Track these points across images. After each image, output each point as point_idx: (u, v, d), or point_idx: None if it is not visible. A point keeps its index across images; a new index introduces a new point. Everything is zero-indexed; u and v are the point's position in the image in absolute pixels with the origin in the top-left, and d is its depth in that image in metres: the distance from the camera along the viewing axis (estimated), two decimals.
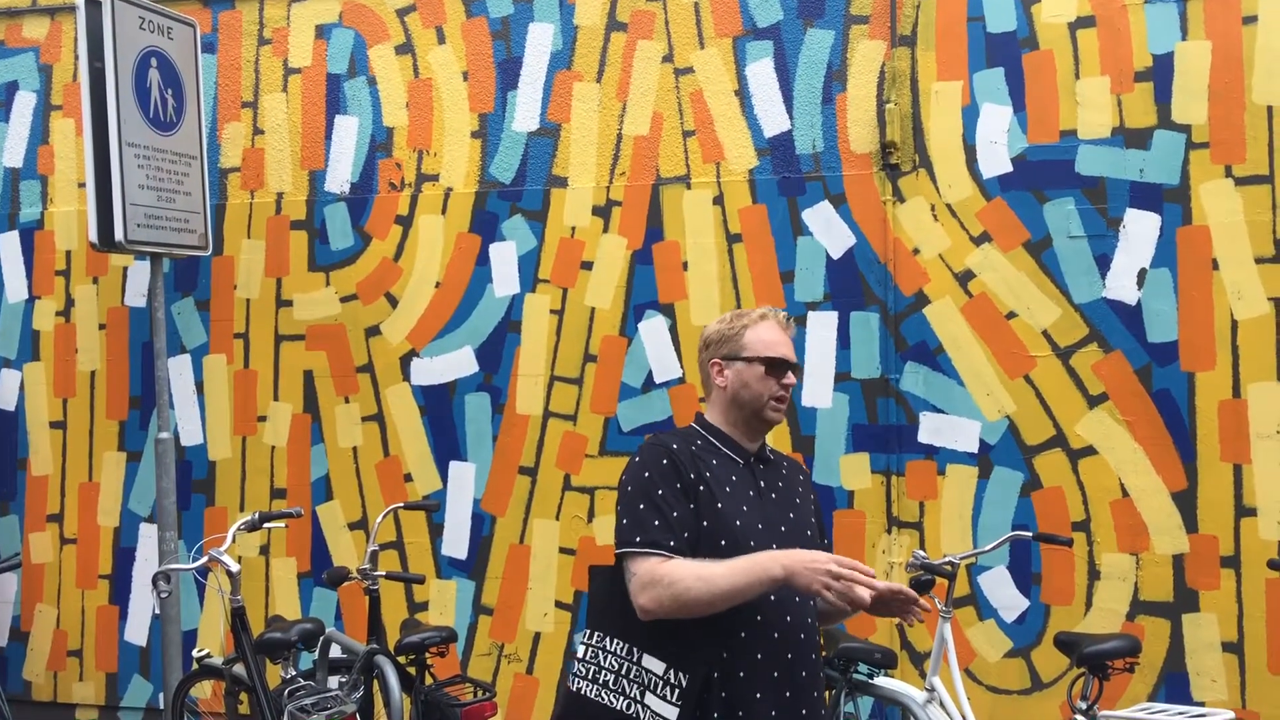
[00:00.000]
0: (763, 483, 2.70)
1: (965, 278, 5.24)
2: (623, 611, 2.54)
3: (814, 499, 2.86)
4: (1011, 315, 5.18)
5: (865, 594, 2.33)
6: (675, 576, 2.44)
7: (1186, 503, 4.98)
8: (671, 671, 2.49)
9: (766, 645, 2.53)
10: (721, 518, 2.55)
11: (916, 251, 5.29)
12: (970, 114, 5.27)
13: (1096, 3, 5.15)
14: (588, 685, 2.59)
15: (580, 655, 2.64)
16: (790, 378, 2.71)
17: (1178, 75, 5.05)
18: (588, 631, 2.66)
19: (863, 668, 4.41)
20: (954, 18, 5.30)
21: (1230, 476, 4.94)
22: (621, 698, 2.53)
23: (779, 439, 5.33)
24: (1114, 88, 5.12)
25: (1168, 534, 4.99)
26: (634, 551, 2.52)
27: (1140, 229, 5.06)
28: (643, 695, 2.51)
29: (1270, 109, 4.96)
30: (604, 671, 2.58)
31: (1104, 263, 5.09)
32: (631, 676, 2.54)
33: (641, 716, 2.49)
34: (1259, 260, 4.95)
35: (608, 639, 2.59)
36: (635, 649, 2.54)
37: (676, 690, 2.47)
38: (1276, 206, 4.94)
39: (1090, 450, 5.08)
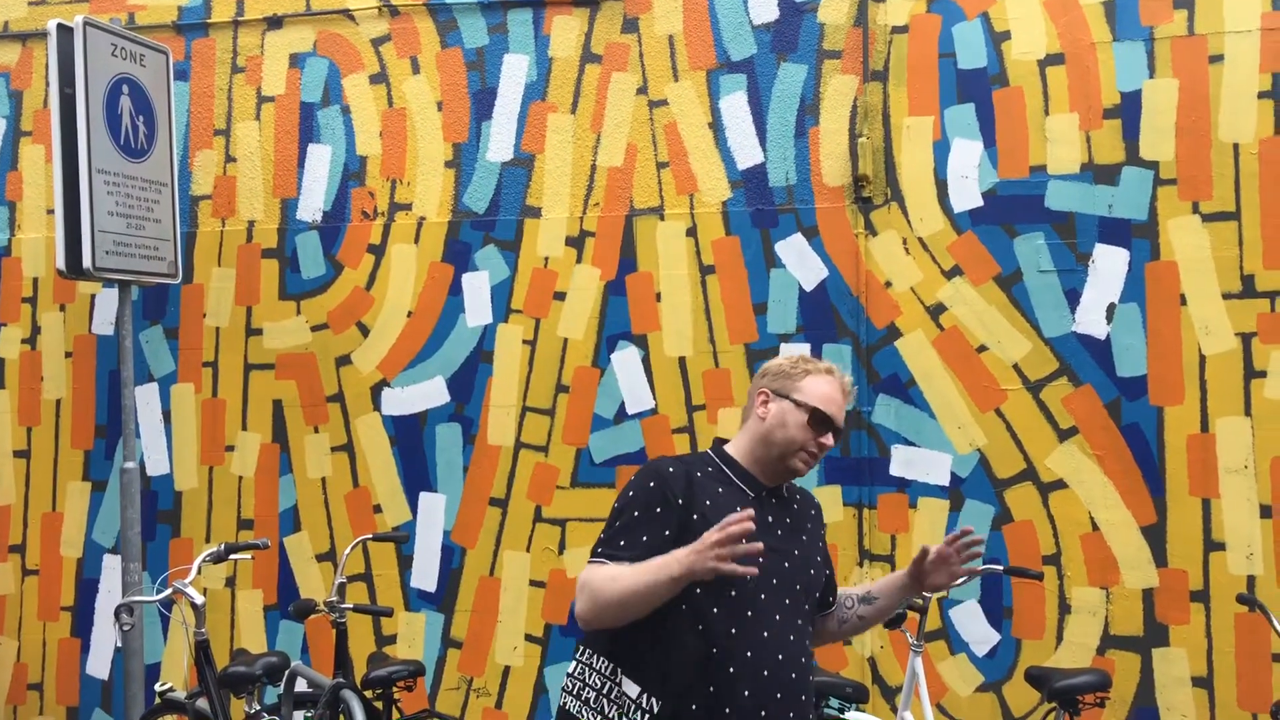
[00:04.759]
0: (770, 517, 2.65)
1: (937, 311, 5.26)
2: (610, 630, 2.53)
3: (824, 533, 2.84)
4: (982, 349, 5.21)
5: (748, 537, 2.29)
6: (591, 580, 2.46)
7: (1156, 537, 5.00)
8: (645, 696, 2.48)
9: (753, 684, 2.49)
10: None
11: (888, 284, 5.32)
12: (941, 149, 5.31)
13: (1066, 40, 5.21)
14: (572, 700, 2.60)
15: (570, 670, 2.65)
16: (829, 438, 2.66)
17: (1145, 113, 5.12)
18: (581, 647, 2.65)
19: (834, 702, 4.39)
20: (925, 54, 5.35)
21: (1199, 511, 4.96)
22: (599, 717, 2.53)
23: None
24: (1083, 124, 5.18)
25: (1138, 568, 5.00)
26: (590, 561, 2.53)
27: (1109, 264, 5.11)
28: (619, 717, 2.50)
29: (1236, 146, 5.02)
30: (587, 688, 2.58)
31: (1073, 297, 5.13)
32: (612, 697, 2.53)
33: None
34: (1226, 296, 5.00)
35: (595, 656, 2.59)
36: (618, 669, 2.53)
37: (647, 716, 2.46)
38: (1243, 242, 5.00)
39: (1060, 484, 5.10)
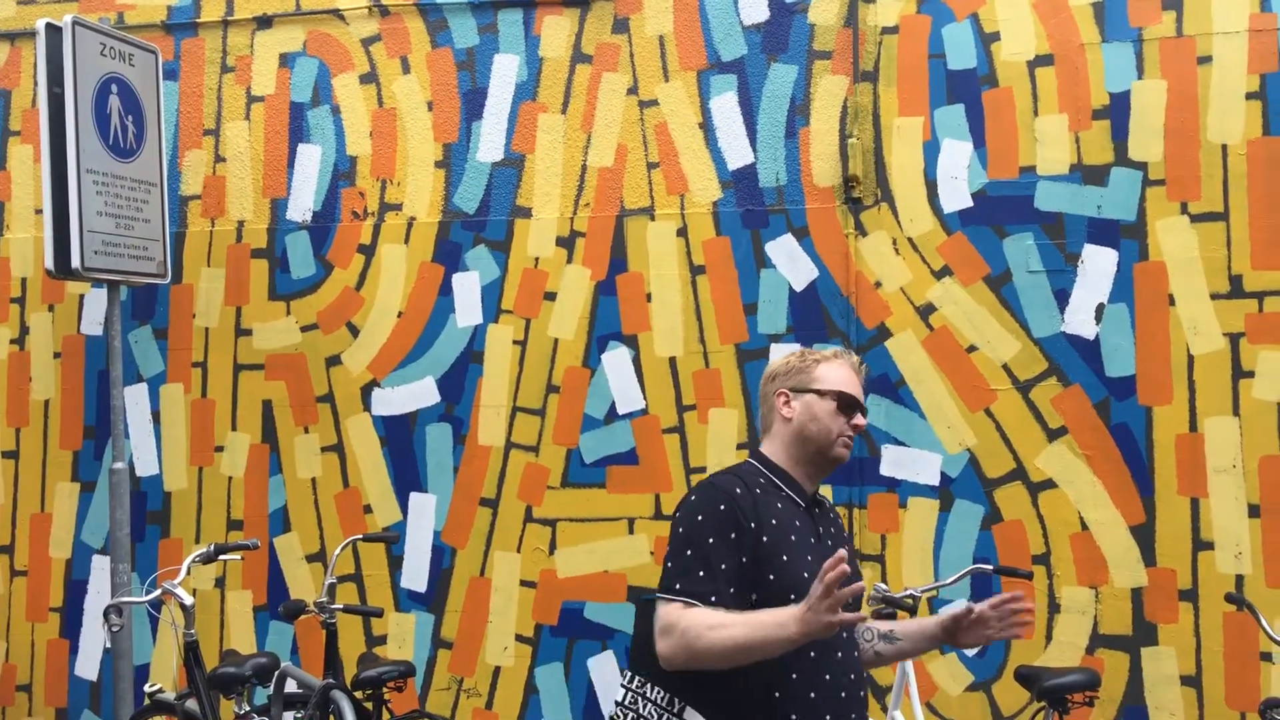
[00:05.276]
0: (820, 528, 2.63)
1: (926, 311, 5.27)
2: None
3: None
4: (972, 349, 5.22)
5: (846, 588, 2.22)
6: (688, 623, 2.32)
7: (1145, 536, 5.01)
8: None
9: (832, 706, 2.44)
10: (787, 571, 2.44)
11: (878, 285, 5.32)
12: (931, 149, 5.32)
13: (1055, 41, 5.22)
14: None
15: (619, 699, 2.53)
16: (860, 419, 2.65)
17: (1134, 114, 5.13)
18: (629, 674, 2.54)
19: None
20: (915, 54, 5.36)
21: (1188, 510, 4.98)
22: None
23: None
24: (1072, 125, 5.19)
25: (1126, 567, 5.02)
26: (665, 597, 2.41)
27: (1098, 264, 5.12)
28: None
29: (1224, 147, 5.04)
30: None
31: (1063, 297, 5.14)
32: None
33: None
34: (1214, 296, 5.02)
35: (649, 686, 2.47)
36: (676, 700, 2.42)
37: None
38: (1231, 243, 5.01)
39: (1050, 484, 5.11)
